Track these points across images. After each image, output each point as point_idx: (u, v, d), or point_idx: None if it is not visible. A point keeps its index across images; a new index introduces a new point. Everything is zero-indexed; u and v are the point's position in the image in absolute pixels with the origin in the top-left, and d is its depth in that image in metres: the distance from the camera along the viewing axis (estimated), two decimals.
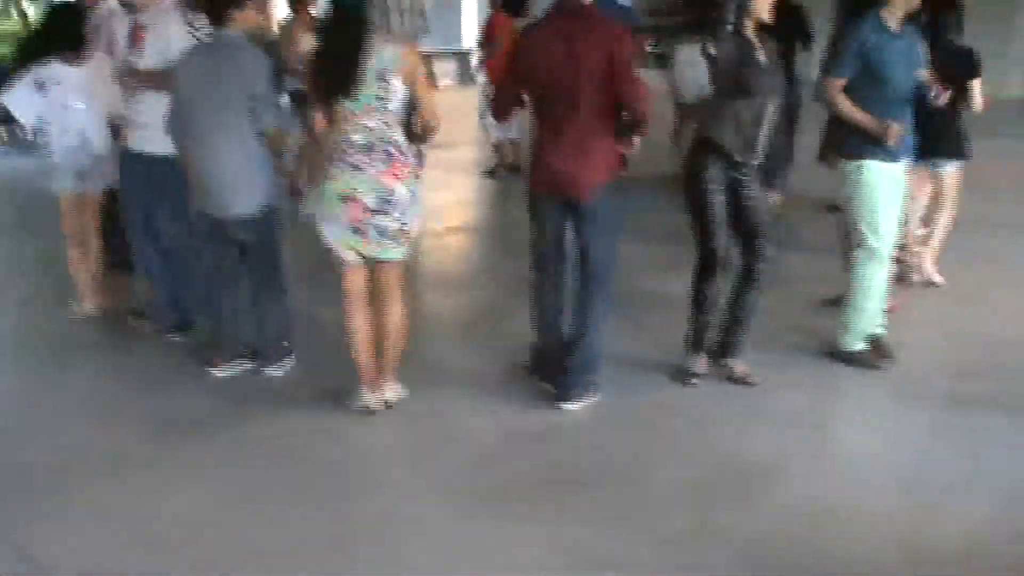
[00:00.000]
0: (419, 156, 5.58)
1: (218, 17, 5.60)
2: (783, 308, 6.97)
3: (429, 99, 5.30)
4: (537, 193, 5.57)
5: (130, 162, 6.41)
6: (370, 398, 5.61)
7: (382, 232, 5.25)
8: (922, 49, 6.05)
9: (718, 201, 5.61)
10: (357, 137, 5.19)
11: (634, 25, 10.74)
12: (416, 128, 5.34)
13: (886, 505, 4.71)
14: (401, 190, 5.22)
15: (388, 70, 5.11)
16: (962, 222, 7.91)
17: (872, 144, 5.82)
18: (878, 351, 6.16)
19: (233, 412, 5.64)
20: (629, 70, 5.21)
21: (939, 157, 7.25)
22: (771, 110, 5.51)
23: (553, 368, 5.71)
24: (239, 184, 5.66)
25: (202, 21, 5.88)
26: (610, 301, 5.61)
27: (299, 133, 9.33)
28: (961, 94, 7.02)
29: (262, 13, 9.98)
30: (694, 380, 5.90)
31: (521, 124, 7.67)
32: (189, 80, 5.63)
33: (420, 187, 5.38)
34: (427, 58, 19.15)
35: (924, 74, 6.21)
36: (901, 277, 7.27)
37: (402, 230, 5.29)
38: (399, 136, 5.23)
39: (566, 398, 5.60)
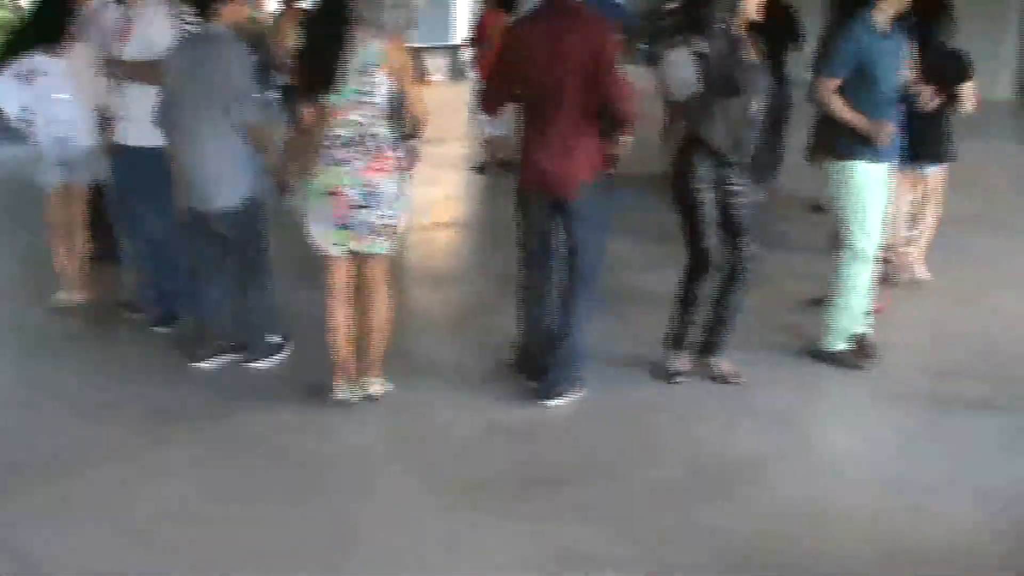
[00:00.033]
0: (412, 151, 5.57)
1: (205, 11, 5.60)
2: (768, 307, 6.98)
3: (416, 94, 5.29)
4: (525, 190, 5.59)
5: (115, 154, 6.41)
6: (347, 391, 5.60)
7: (368, 227, 5.25)
8: (909, 50, 6.07)
9: (708, 200, 5.62)
10: (342, 132, 5.20)
11: (627, 23, 10.75)
12: (405, 123, 5.33)
13: (868, 505, 4.72)
14: (386, 184, 5.22)
15: (372, 65, 5.11)
16: (950, 222, 7.94)
17: (860, 145, 5.84)
18: (862, 351, 6.17)
19: (218, 406, 5.62)
20: (614, 69, 5.22)
21: (925, 159, 7.26)
22: (757, 108, 5.51)
23: (538, 365, 5.71)
24: (220, 178, 5.65)
25: (191, 15, 5.87)
26: (596, 299, 5.62)
27: (285, 128, 9.37)
28: (951, 97, 7.04)
29: (256, 5, 9.99)
30: (679, 379, 5.89)
31: (510, 120, 7.66)
32: (174, 74, 5.65)
33: (406, 181, 5.37)
34: (418, 53, 19.10)
35: (911, 76, 6.23)
36: (887, 278, 7.27)
37: (388, 225, 5.29)
38: (384, 130, 5.23)
39: (550, 395, 5.59)
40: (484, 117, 9.79)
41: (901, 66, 5.96)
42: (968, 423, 5.49)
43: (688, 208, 5.66)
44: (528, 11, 5.71)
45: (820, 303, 6.48)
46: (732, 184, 5.64)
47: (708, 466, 5.05)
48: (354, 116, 5.18)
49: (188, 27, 5.99)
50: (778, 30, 9.60)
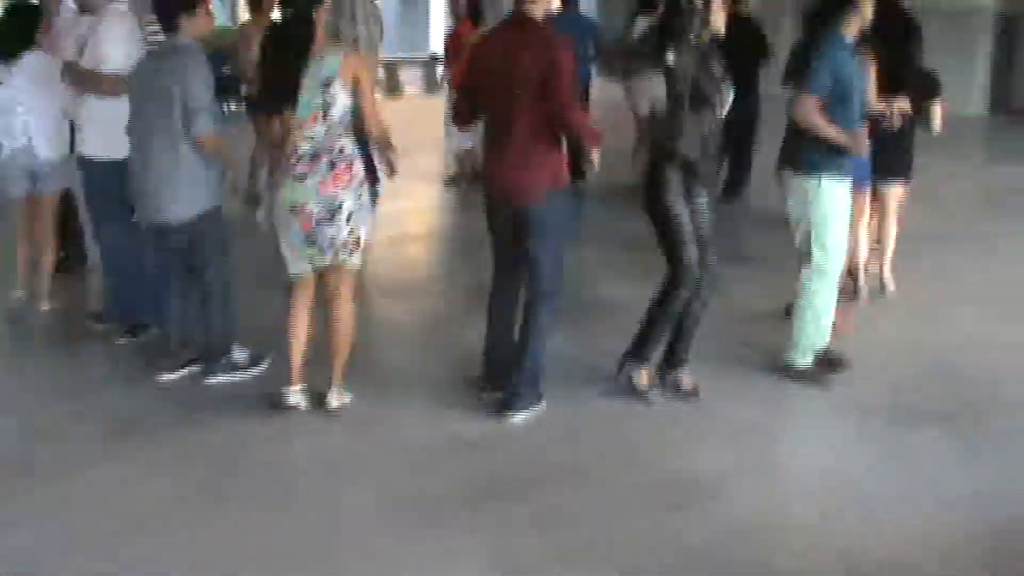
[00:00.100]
0: (388, 162, 5.60)
1: (168, 24, 5.60)
2: (732, 321, 7.02)
3: (371, 106, 5.31)
4: (487, 201, 5.61)
5: (78, 164, 6.41)
6: (297, 396, 5.62)
7: (332, 241, 5.27)
8: (870, 66, 6.13)
9: (684, 212, 5.63)
10: (303, 146, 5.23)
11: (597, 40, 10.80)
12: (368, 135, 5.35)
13: (828, 516, 4.75)
14: (347, 199, 5.24)
15: (332, 77, 5.13)
16: (914, 237, 7.99)
17: (828, 161, 5.87)
18: (829, 364, 6.19)
19: (180, 417, 5.61)
20: (562, 85, 5.24)
21: (887, 176, 7.29)
22: (720, 121, 5.57)
23: (501, 377, 5.71)
24: (172, 190, 5.64)
25: (156, 27, 5.88)
26: (557, 311, 5.62)
27: (253, 139, 9.34)
28: (917, 114, 7.10)
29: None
30: (649, 395, 5.86)
31: (477, 132, 7.70)
32: (134, 86, 5.66)
33: (367, 194, 5.39)
34: (390, 66, 19.17)
35: (874, 93, 6.29)
36: (851, 294, 7.32)
37: (351, 239, 5.30)
38: (345, 144, 5.25)
39: (511, 407, 5.59)
40: (455, 130, 9.84)
41: (866, 82, 6.01)
42: (928, 437, 5.51)
43: (666, 222, 5.65)
44: (493, 26, 5.74)
45: (786, 316, 6.50)
46: (698, 197, 5.66)
47: (669, 479, 5.06)
48: (314, 130, 5.20)
49: (153, 40, 6.00)
50: (747, 45, 9.70)
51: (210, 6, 5.78)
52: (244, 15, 12.68)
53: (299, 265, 5.48)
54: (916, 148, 7.53)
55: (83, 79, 6.20)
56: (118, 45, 6.06)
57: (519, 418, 5.58)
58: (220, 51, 11.39)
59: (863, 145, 5.86)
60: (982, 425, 5.67)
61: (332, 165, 5.22)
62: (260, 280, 6.97)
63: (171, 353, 6.07)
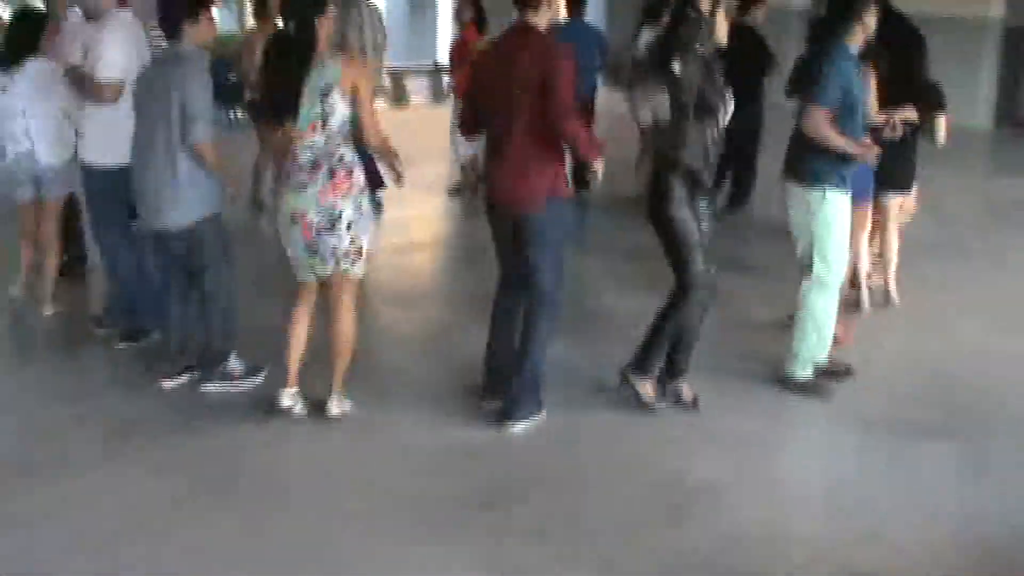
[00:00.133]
0: (394, 173, 5.61)
1: (171, 31, 5.61)
2: (733, 331, 7.02)
3: (370, 116, 5.30)
4: (488, 209, 5.63)
5: (81, 170, 6.43)
6: (290, 399, 5.65)
7: (333, 250, 5.29)
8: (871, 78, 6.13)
9: (692, 222, 5.62)
10: (303, 155, 5.24)
11: (603, 49, 10.79)
12: (367, 144, 5.35)
13: (824, 528, 4.76)
14: (347, 208, 5.25)
15: (331, 86, 5.14)
16: (921, 249, 7.97)
17: (833, 172, 5.86)
18: (831, 375, 6.18)
19: (179, 423, 5.63)
20: (560, 95, 5.23)
21: (889, 188, 7.29)
22: (722, 131, 5.57)
23: (501, 385, 5.71)
24: (170, 196, 5.64)
25: (159, 35, 5.89)
26: (557, 319, 5.62)
27: (257, 147, 9.35)
28: (921, 127, 7.09)
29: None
30: (655, 407, 5.85)
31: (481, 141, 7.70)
32: (137, 93, 5.67)
33: (367, 202, 5.41)
34: (396, 75, 19.15)
35: (875, 107, 6.29)
36: (853, 305, 7.31)
37: (352, 248, 5.32)
38: (345, 152, 5.26)
39: (510, 416, 5.60)
40: (461, 138, 9.83)
41: (867, 93, 6.01)
42: (928, 449, 5.51)
43: (673, 232, 5.64)
44: (497, 35, 5.75)
45: (788, 319, 6.48)
46: (699, 206, 5.65)
47: (669, 488, 5.06)
48: (313, 139, 5.22)
49: (157, 47, 6.01)
50: (750, 55, 9.70)
51: (212, 13, 5.77)
52: (251, 22, 12.66)
53: (302, 273, 5.51)
54: (921, 160, 7.53)
55: (83, 85, 6.22)
56: (117, 52, 6.08)
57: (519, 427, 5.58)
58: (225, 58, 11.43)
59: (873, 154, 5.87)
60: (985, 438, 5.67)
61: (331, 174, 5.23)
62: (262, 288, 6.99)
63: (172, 358, 6.07)
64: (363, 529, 4.67)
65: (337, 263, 5.34)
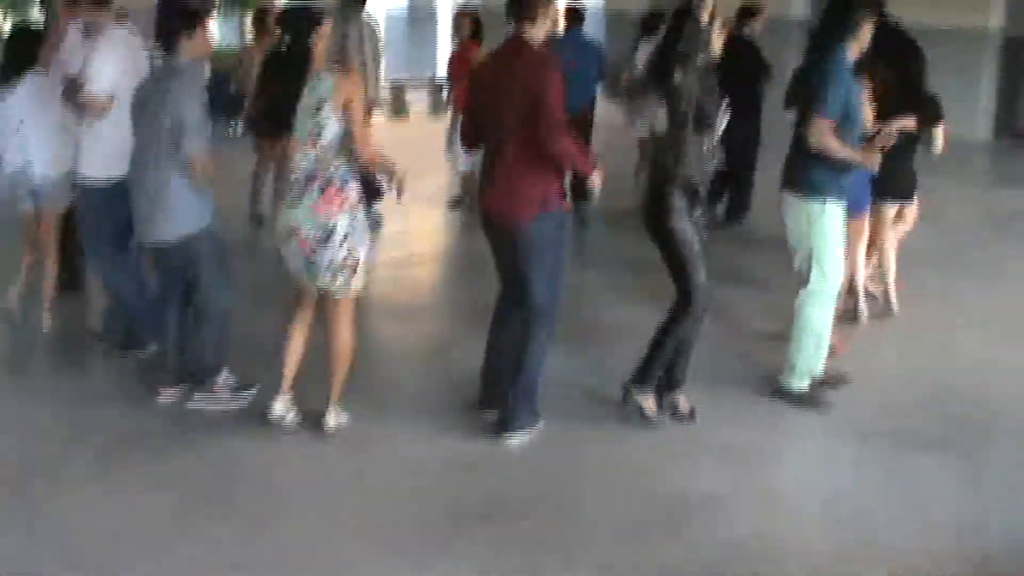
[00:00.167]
0: (396, 186, 5.56)
1: (168, 44, 5.62)
2: (730, 342, 7.02)
3: (361, 131, 5.28)
4: (482, 222, 5.64)
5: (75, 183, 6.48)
6: (281, 410, 5.66)
7: (330, 264, 5.29)
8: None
9: (693, 234, 5.62)
10: (298, 169, 5.25)
11: (601, 62, 10.80)
12: (357, 159, 5.35)
13: (822, 540, 4.75)
14: (339, 221, 5.26)
15: (323, 101, 5.16)
16: (920, 260, 7.97)
17: (832, 183, 5.87)
18: (828, 384, 6.18)
19: (175, 436, 5.63)
20: (548, 109, 5.20)
21: (886, 197, 7.30)
22: (717, 142, 5.59)
23: (498, 396, 5.70)
24: (162, 210, 5.64)
25: (156, 49, 5.90)
26: (551, 331, 5.60)
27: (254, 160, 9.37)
28: (918, 137, 7.11)
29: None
30: (657, 420, 5.83)
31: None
32: (133, 108, 5.68)
33: (362, 216, 5.40)
34: (396, 88, 19.17)
35: (869, 117, 6.31)
36: (850, 316, 7.32)
37: (348, 261, 5.31)
38: (338, 166, 5.26)
39: (507, 428, 5.60)
40: (461, 152, 9.85)
41: (862, 103, 6.04)
42: (926, 460, 5.50)
43: (675, 244, 5.63)
44: (495, 48, 5.75)
45: (784, 338, 6.47)
46: (697, 218, 5.66)
47: (665, 501, 5.05)
48: (307, 153, 5.23)
49: (154, 61, 6.03)
50: (747, 67, 9.73)
51: (208, 27, 5.78)
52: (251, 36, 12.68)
53: (301, 285, 5.51)
54: (921, 171, 7.55)
55: (76, 99, 6.23)
56: (107, 68, 6.10)
57: (515, 439, 5.58)
58: (225, 71, 11.47)
59: (876, 160, 5.90)
60: (984, 449, 5.68)
61: (324, 188, 5.25)
62: (260, 300, 6.98)
63: (169, 371, 6.06)
64: (361, 541, 4.66)
65: (334, 276, 5.34)
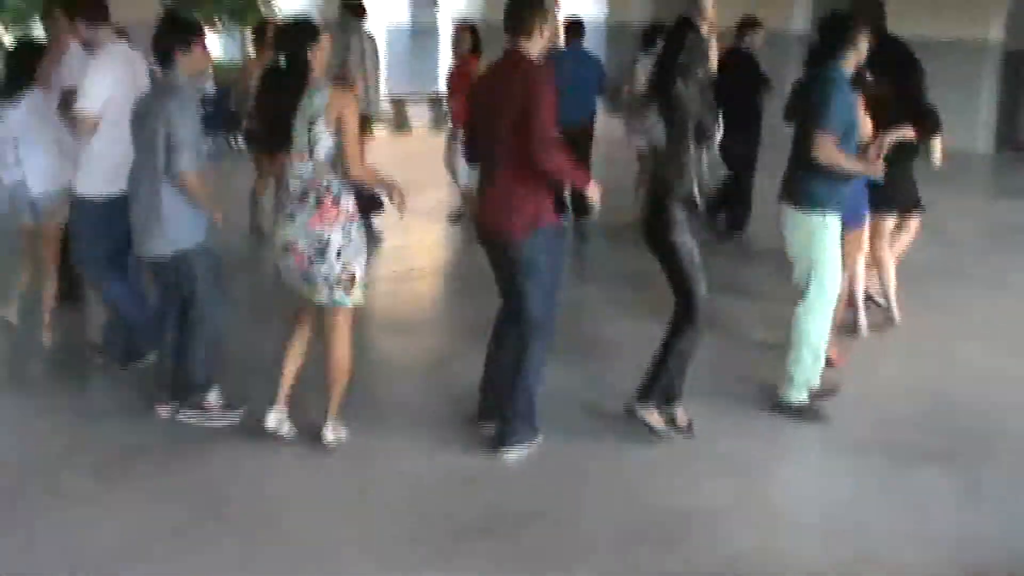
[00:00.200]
0: (395, 202, 5.53)
1: (163, 60, 5.63)
2: (728, 354, 7.00)
3: (352, 147, 5.23)
4: (479, 238, 5.64)
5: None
6: (275, 421, 5.66)
7: (325, 279, 5.29)
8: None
9: (695, 248, 5.62)
10: (293, 184, 5.26)
11: (601, 76, 10.82)
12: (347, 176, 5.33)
13: (820, 554, 4.74)
14: (333, 235, 5.26)
15: (316, 116, 5.16)
16: (922, 272, 7.97)
17: (833, 196, 5.88)
18: (821, 395, 6.17)
19: (176, 448, 5.64)
20: (539, 124, 5.16)
21: (883, 209, 7.30)
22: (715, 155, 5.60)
23: (496, 410, 5.70)
24: (155, 226, 5.65)
25: (153, 64, 5.90)
26: (548, 346, 5.58)
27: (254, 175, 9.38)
28: (916, 148, 7.12)
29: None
30: (669, 434, 5.82)
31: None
32: (131, 124, 5.69)
33: (358, 230, 5.39)
34: (398, 102, 19.19)
35: (868, 129, 6.33)
36: (850, 328, 7.32)
37: (344, 275, 5.32)
38: (331, 181, 5.26)
39: (504, 442, 5.59)
40: (463, 165, 9.84)
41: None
42: (926, 473, 5.49)
43: (677, 258, 5.62)
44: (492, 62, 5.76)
45: (782, 349, 6.45)
46: (696, 231, 5.66)
47: (664, 514, 5.04)
48: (302, 168, 5.24)
49: (151, 77, 6.04)
50: (746, 80, 9.76)
51: (204, 43, 5.77)
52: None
53: (300, 298, 5.52)
54: (922, 184, 7.57)
55: (68, 114, 6.26)
56: (96, 86, 6.11)
57: (513, 453, 5.57)
58: (226, 86, 11.50)
59: (879, 170, 5.94)
60: (984, 461, 5.66)
61: (318, 202, 5.25)
62: (259, 315, 6.99)
63: (164, 386, 6.04)
64: (359, 554, 4.66)
65: (331, 290, 5.34)
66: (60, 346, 7.12)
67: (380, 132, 14.01)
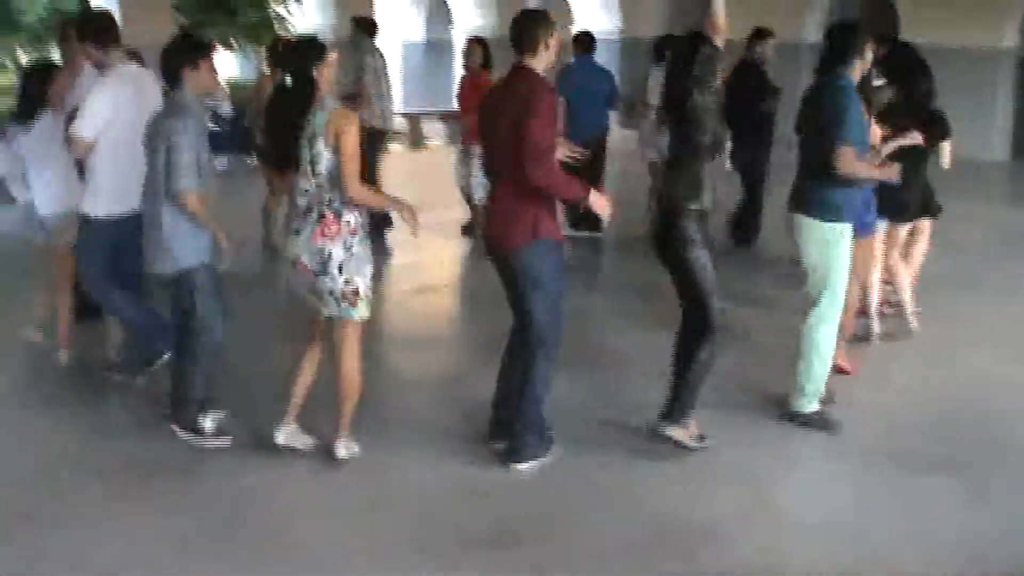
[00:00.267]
0: (406, 220, 5.53)
1: (171, 79, 5.69)
2: (738, 364, 6.97)
3: (348, 164, 5.23)
4: (487, 250, 5.66)
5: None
6: (285, 437, 5.72)
7: (329, 293, 5.34)
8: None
9: (708, 261, 5.62)
10: (299, 200, 5.31)
11: (612, 89, 10.85)
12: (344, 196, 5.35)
13: (827, 562, 4.74)
14: (334, 249, 5.30)
15: (317, 135, 5.20)
16: (934, 279, 7.96)
17: (850, 206, 5.91)
18: (824, 401, 6.18)
19: (190, 465, 5.68)
20: (531, 137, 5.14)
21: (894, 216, 7.30)
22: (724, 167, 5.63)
23: (508, 425, 5.71)
24: (156, 245, 5.71)
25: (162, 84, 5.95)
26: (554, 358, 5.56)
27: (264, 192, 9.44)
28: (925, 154, 7.14)
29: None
30: (701, 445, 5.83)
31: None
32: (144, 144, 5.74)
33: (361, 245, 5.40)
34: (413, 118, 19.23)
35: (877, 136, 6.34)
36: (862, 337, 7.31)
37: (347, 289, 5.35)
38: (335, 197, 5.29)
39: (514, 457, 5.61)
40: (481, 181, 9.85)
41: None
42: (935, 481, 5.48)
43: (692, 272, 5.62)
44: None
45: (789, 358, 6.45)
46: (709, 243, 5.68)
47: (673, 525, 5.06)
48: (306, 185, 5.28)
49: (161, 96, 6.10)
50: (757, 90, 9.77)
51: (212, 61, 5.80)
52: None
53: (310, 314, 5.57)
54: (936, 192, 7.55)
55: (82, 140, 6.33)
56: (94, 110, 6.17)
57: (523, 467, 5.59)
58: (241, 104, 11.57)
59: (894, 173, 5.96)
60: (994, 469, 5.64)
61: (320, 218, 5.29)
62: (272, 330, 7.01)
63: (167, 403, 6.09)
64: (368, 565, 4.70)
65: (336, 304, 5.38)
66: (77, 363, 7.17)
67: (395, 148, 14.05)
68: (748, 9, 10.17)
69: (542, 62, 5.39)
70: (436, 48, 26.15)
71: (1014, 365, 7.20)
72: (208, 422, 5.93)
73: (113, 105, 6.19)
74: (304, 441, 5.73)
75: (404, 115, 18.51)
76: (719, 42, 5.55)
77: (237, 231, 5.97)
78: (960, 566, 4.70)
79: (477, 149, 9.55)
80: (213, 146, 5.89)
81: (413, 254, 10.12)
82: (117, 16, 6.57)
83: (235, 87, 14.94)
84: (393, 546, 4.87)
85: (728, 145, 5.69)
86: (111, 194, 6.21)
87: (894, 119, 6.90)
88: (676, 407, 5.81)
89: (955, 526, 5.05)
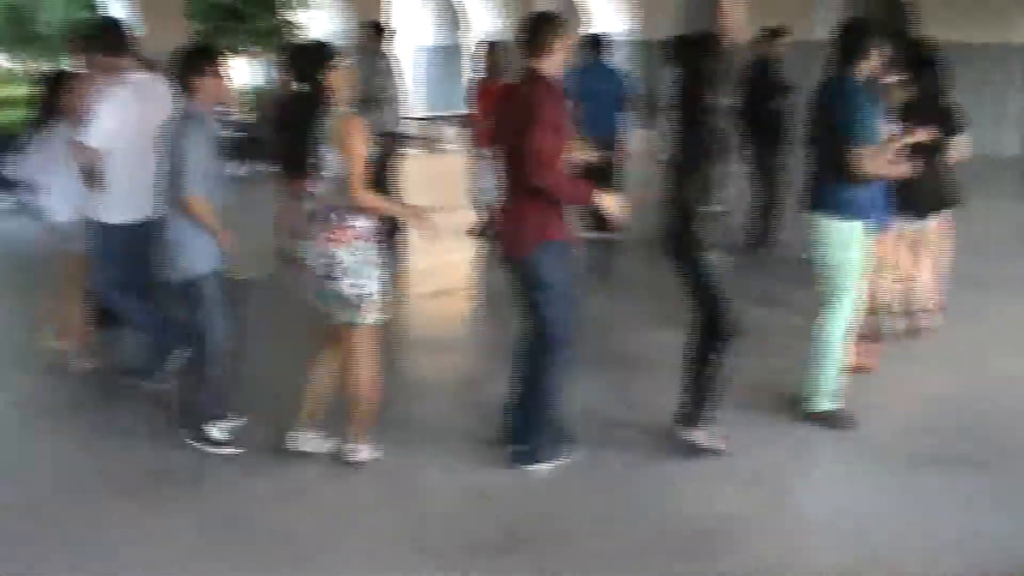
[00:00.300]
0: (418, 225, 5.60)
1: (182, 87, 5.71)
2: (752, 366, 6.94)
3: (356, 172, 5.24)
4: (500, 254, 5.67)
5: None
6: (296, 441, 5.77)
7: (338, 298, 5.35)
8: None
9: (720, 264, 5.62)
10: (308, 206, 5.33)
11: (625, 91, 10.84)
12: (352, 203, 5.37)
13: (842, 564, 4.73)
14: (343, 255, 5.32)
15: (324, 140, 5.24)
16: (948, 278, 7.93)
17: (867, 204, 5.91)
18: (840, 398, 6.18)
19: (207, 472, 5.71)
20: (533, 141, 5.14)
21: (909, 214, 7.28)
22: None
23: (522, 429, 5.72)
24: (164, 251, 5.74)
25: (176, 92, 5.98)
26: (566, 361, 5.55)
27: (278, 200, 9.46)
28: (939, 149, 7.12)
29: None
30: (723, 447, 5.83)
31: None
32: (159, 152, 5.76)
33: (369, 250, 5.41)
34: (428, 123, 19.21)
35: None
36: (878, 335, 7.29)
37: (356, 295, 5.36)
38: (342, 203, 5.30)
39: (527, 460, 5.62)
40: (491, 183, 9.84)
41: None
42: (952, 481, 5.47)
43: (706, 276, 5.61)
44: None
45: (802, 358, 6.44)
46: (721, 245, 5.68)
47: (687, 527, 5.06)
48: (316, 189, 5.30)
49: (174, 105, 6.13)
50: (772, 90, 9.76)
51: (220, 69, 5.81)
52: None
53: (324, 319, 5.58)
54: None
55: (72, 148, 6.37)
56: (103, 118, 6.21)
57: (536, 470, 5.60)
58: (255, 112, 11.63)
59: (908, 169, 5.98)
60: (1011, 469, 5.62)
61: (328, 223, 5.31)
62: (286, 337, 7.02)
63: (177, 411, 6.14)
64: (379, 570, 4.72)
65: (344, 309, 5.40)
66: (96, 370, 7.21)
67: (409, 152, 14.06)
68: (756, 5, 10.16)
69: (551, 65, 5.35)
70: (448, 53, 26.18)
71: None
72: (216, 431, 5.95)
73: (121, 114, 6.22)
74: (318, 446, 5.75)
75: (418, 119, 18.53)
76: (730, 42, 5.54)
77: (252, 239, 5.98)
78: (978, 569, 4.68)
79: (487, 153, 9.55)
80: (225, 153, 5.92)
81: (428, 258, 10.14)
82: (139, 25, 6.58)
83: (253, 93, 14.96)
84: (403, 549, 4.89)
85: (740, 145, 5.66)
86: (125, 201, 6.26)
87: (908, 116, 6.88)
88: (695, 412, 5.81)
89: (974, 527, 5.02)
